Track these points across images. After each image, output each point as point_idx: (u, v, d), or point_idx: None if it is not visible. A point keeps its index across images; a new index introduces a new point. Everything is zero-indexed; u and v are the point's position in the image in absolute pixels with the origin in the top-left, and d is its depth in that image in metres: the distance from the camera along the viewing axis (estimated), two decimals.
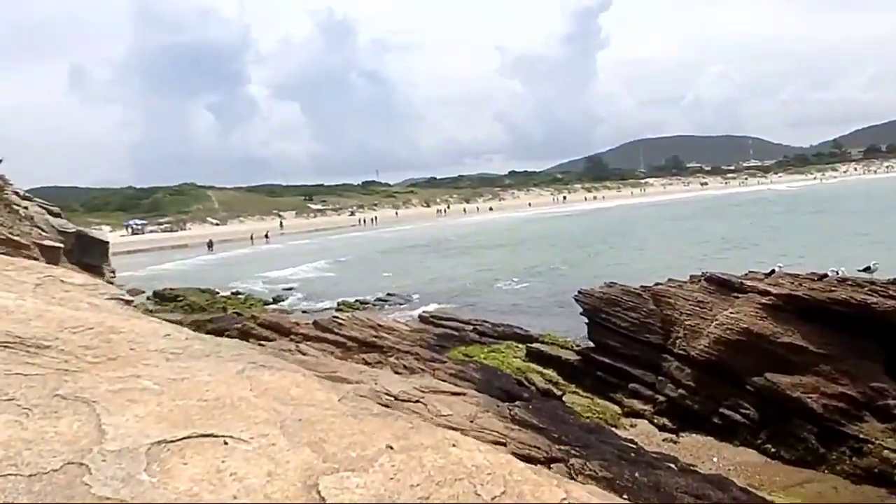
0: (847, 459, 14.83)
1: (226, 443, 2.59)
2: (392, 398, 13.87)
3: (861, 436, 14.95)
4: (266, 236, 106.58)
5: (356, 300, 39.67)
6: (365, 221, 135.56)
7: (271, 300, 42.39)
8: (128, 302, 4.79)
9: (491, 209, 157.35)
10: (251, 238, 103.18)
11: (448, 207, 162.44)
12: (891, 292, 17.87)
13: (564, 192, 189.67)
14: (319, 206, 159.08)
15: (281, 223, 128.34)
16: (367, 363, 19.81)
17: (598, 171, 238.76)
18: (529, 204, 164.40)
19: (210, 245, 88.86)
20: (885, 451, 14.37)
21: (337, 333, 22.81)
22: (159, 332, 3.68)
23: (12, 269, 4.83)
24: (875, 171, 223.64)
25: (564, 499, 2.68)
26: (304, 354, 20.01)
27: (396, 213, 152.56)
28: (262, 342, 22.74)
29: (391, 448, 2.84)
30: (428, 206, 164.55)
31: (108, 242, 35.61)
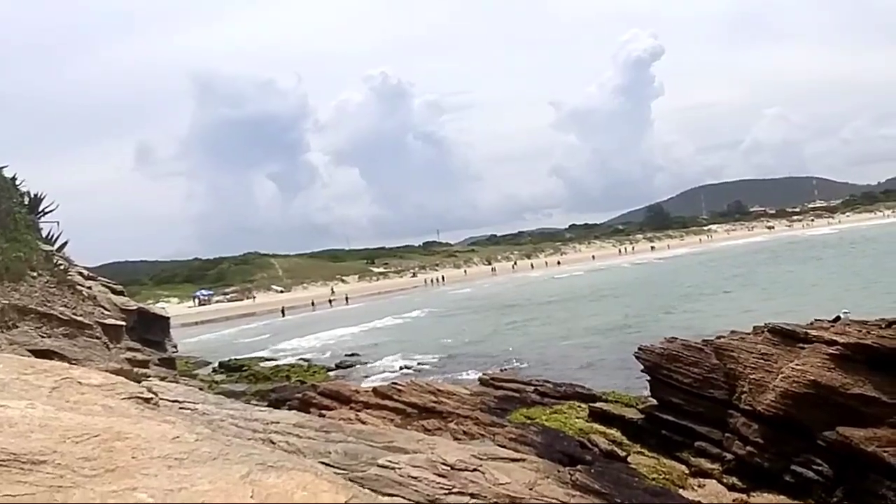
0: None
1: None
2: (448, 468, 13.70)
3: None
4: (330, 301, 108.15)
5: (419, 363, 39.68)
6: (431, 281, 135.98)
7: (334, 366, 42.63)
8: (147, 400, 4.84)
9: (559, 263, 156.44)
10: (312, 304, 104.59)
11: (515, 263, 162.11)
12: None
13: (626, 243, 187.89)
14: (381, 269, 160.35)
15: (332, 290, 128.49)
16: (426, 430, 19.66)
17: (659, 219, 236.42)
18: (593, 257, 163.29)
19: (283, 312, 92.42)
20: None
21: (396, 400, 22.75)
22: (168, 436, 3.70)
23: (31, 372, 4.93)
24: None
25: None
26: (363, 423, 19.97)
27: (465, 272, 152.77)
28: (323, 411, 22.81)
29: None
30: (489, 263, 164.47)
31: (168, 318, 36.29)
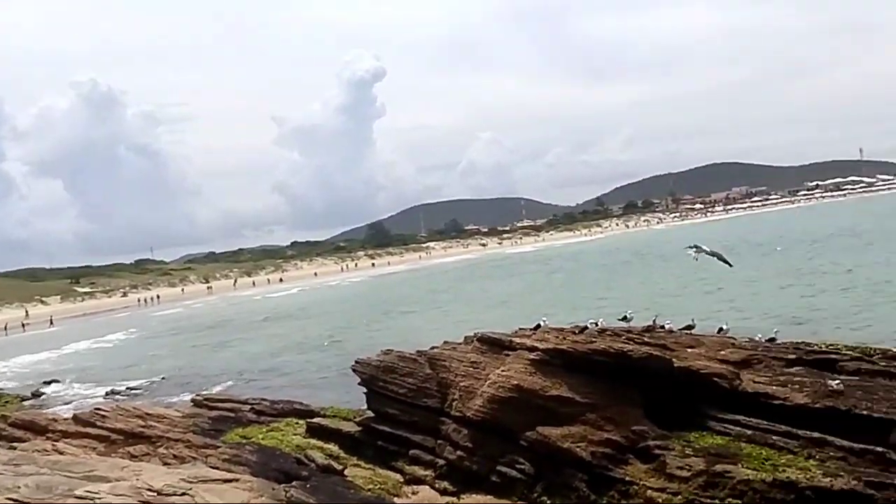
0: (616, 502, 15.46)
1: None
2: (155, 493, 12.91)
3: (627, 478, 15.65)
4: (23, 325, 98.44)
5: (126, 387, 37.20)
6: (144, 301, 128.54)
7: (29, 395, 38.71)
8: None
9: (281, 280, 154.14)
10: (4, 328, 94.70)
11: (236, 281, 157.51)
12: (645, 339, 19.13)
13: (348, 260, 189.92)
14: (88, 289, 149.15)
15: (27, 312, 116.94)
16: (132, 456, 18.49)
17: (380, 237, 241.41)
18: (315, 273, 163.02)
19: None
20: (649, 491, 15.10)
21: (100, 427, 21.18)
22: None
23: None
24: (635, 225, 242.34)
25: None
26: (60, 453, 18.36)
27: (182, 290, 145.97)
28: (15, 444, 20.70)
29: None
30: (206, 282, 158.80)
31: None
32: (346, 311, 70.85)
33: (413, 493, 17.61)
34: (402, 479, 18.44)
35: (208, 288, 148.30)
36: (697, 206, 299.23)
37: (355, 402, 23.65)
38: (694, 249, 22.07)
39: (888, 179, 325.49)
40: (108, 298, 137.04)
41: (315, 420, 22.05)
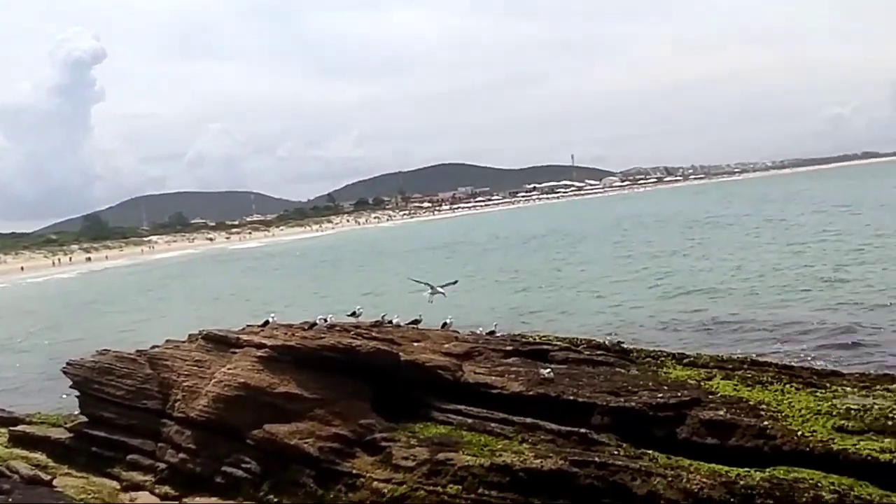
0: (343, 495, 15.60)
1: None
2: None
3: (354, 471, 15.85)
4: None
5: None
6: None
7: None
8: None
9: None
10: None
11: None
12: (374, 334, 19.53)
13: (60, 254, 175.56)
14: None
15: None
16: None
17: (97, 229, 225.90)
18: (22, 268, 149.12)
19: None
20: (375, 482, 15.39)
21: None
22: None
23: None
24: (365, 222, 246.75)
25: None
26: None
27: None
28: None
29: None
30: None
31: None
32: (55, 309, 65.66)
33: (131, 500, 16.69)
34: (118, 487, 17.42)
35: None
36: (426, 204, 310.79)
37: (66, 408, 22.02)
38: (429, 292, 23.00)
39: (594, 184, 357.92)
40: None
41: (19, 428, 20.22)
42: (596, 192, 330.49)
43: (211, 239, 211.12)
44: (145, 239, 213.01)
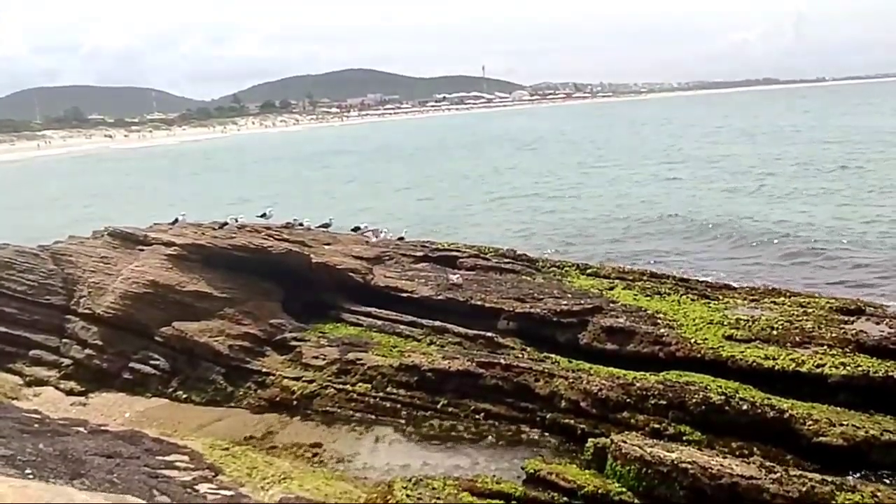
0: (252, 393, 15.83)
1: None
2: None
3: (264, 370, 16.07)
4: None
5: None
6: None
7: None
8: None
9: None
10: None
11: None
12: (284, 235, 19.54)
13: None
14: None
15: None
16: None
17: None
18: None
19: None
20: (285, 380, 15.65)
21: None
22: None
23: None
24: (272, 125, 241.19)
25: None
26: None
27: None
28: None
29: None
30: None
31: None
32: None
33: (35, 395, 16.49)
34: (21, 382, 17.16)
35: None
36: (334, 110, 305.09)
37: None
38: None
39: (504, 97, 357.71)
40: None
41: None
42: (505, 105, 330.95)
43: (110, 136, 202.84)
44: (39, 133, 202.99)
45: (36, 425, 12.79)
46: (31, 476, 9.50)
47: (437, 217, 40.83)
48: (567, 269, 19.95)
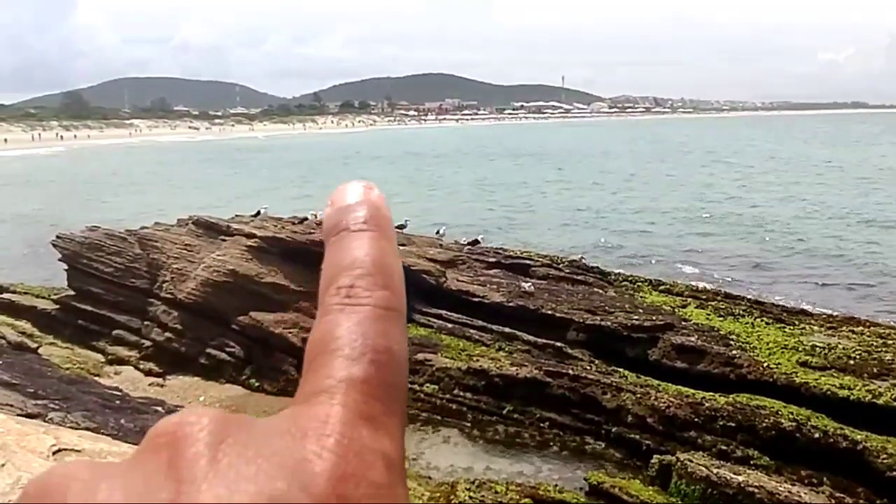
0: None
1: None
2: None
3: None
4: None
5: None
6: None
7: None
8: None
9: None
10: None
11: None
12: None
13: (40, 129, 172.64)
14: None
15: None
16: None
17: (77, 107, 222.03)
18: (6, 140, 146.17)
19: None
20: None
21: None
22: None
23: None
24: (350, 125, 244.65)
25: (54, 445, 2.52)
26: None
27: None
28: None
29: None
30: None
31: None
32: (43, 184, 65.20)
33: (116, 374, 17.16)
34: (103, 360, 17.88)
35: None
36: (412, 112, 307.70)
37: (52, 281, 22.24)
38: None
39: (582, 108, 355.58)
40: None
41: (5, 296, 20.50)
42: (584, 116, 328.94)
43: (196, 128, 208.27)
44: (126, 122, 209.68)
45: (117, 402, 13.31)
46: None
47: (513, 222, 40.93)
48: (639, 283, 19.82)
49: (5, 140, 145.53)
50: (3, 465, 2.15)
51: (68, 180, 69.24)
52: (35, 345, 17.83)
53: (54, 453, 2.38)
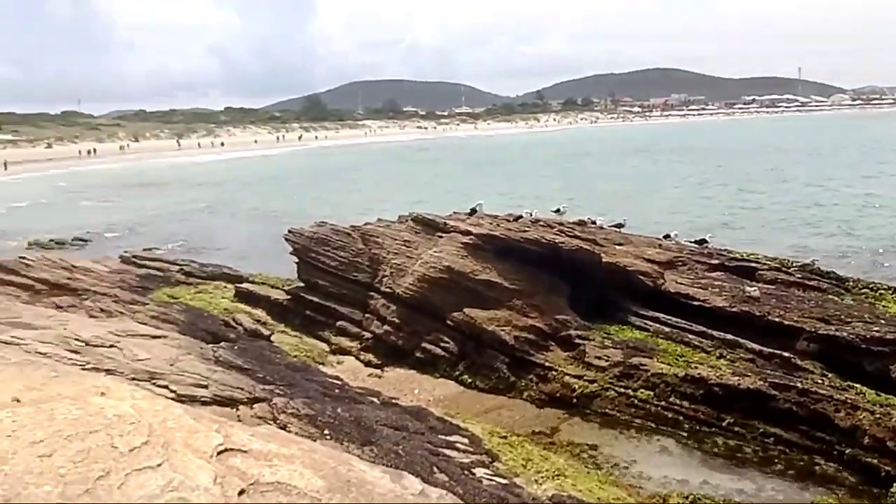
0: (534, 386, 16.10)
1: None
2: (83, 343, 12.91)
3: (546, 364, 16.27)
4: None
5: (50, 239, 36.53)
6: (87, 153, 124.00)
7: None
8: None
9: (223, 145, 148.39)
10: None
11: (200, 143, 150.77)
12: (576, 232, 19.59)
13: (283, 131, 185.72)
14: (10, 136, 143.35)
15: None
16: (58, 307, 18.28)
17: (316, 110, 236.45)
18: (255, 141, 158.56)
19: None
20: (566, 377, 15.74)
21: (24, 275, 20.80)
22: None
23: None
24: (573, 122, 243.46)
25: (221, 444, 2.53)
26: None
27: (128, 145, 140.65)
28: None
29: (17, 401, 2.52)
30: (137, 140, 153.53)
31: None
32: (283, 182, 70.11)
33: (338, 363, 17.98)
34: (328, 349, 18.80)
35: (124, 147, 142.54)
36: (636, 108, 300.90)
37: (284, 273, 23.69)
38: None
39: (821, 101, 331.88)
40: (33, 148, 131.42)
41: (244, 285, 22.13)
42: (823, 109, 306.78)
43: (424, 128, 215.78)
44: (359, 122, 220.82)
45: (336, 391, 13.89)
46: (328, 436, 10.35)
47: (734, 223, 38.87)
48: (882, 292, 18.03)
49: (255, 141, 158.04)
50: (159, 464, 2.15)
51: (304, 178, 73.82)
52: (268, 332, 19.03)
53: (218, 453, 2.38)
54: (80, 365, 11.24)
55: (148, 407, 2.67)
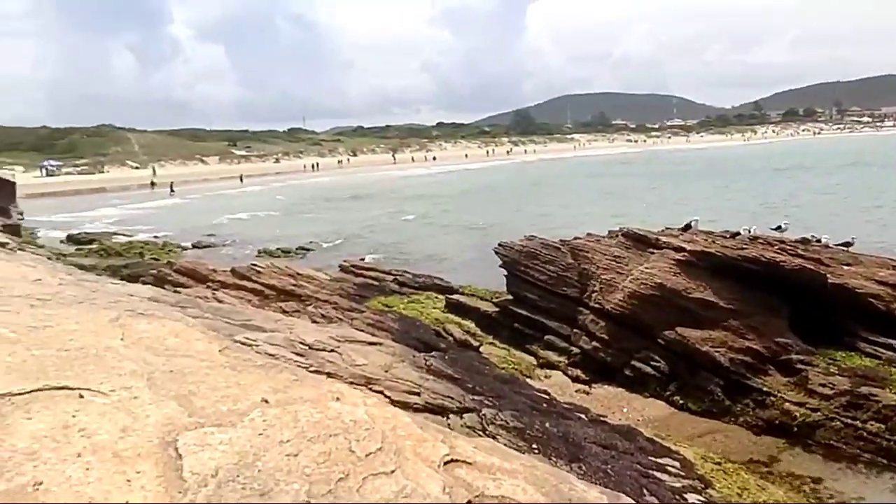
0: (750, 411, 15.31)
1: (81, 396, 2.43)
2: (306, 347, 13.68)
3: (764, 389, 15.43)
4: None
5: (277, 248, 39.24)
6: (312, 167, 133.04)
7: (190, 246, 41.51)
8: (2, 244, 4.51)
9: (434, 159, 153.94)
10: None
11: (413, 157, 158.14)
12: (799, 251, 18.45)
13: (493, 145, 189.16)
14: (244, 152, 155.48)
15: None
16: (284, 312, 19.55)
17: (525, 124, 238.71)
18: (466, 156, 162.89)
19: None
20: (786, 404, 14.85)
21: (255, 281, 22.46)
22: (28, 277, 3.45)
23: None
24: (794, 133, 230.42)
25: (447, 455, 2.60)
26: (219, 302, 19.63)
27: (348, 160, 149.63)
28: (179, 289, 22.24)
29: (266, 402, 2.71)
30: (355, 155, 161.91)
31: (14, 183, 34.40)
32: (491, 195, 71.34)
33: (545, 377, 17.96)
34: (535, 363, 18.83)
35: (342, 161, 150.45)
36: (865, 119, 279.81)
37: (492, 285, 24.01)
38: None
39: None
40: (263, 163, 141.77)
41: (454, 296, 22.64)
42: None
43: (633, 141, 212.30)
44: (568, 136, 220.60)
45: (544, 405, 13.86)
46: (536, 451, 10.36)
47: None
48: None
49: (466, 155, 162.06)
50: (392, 471, 2.23)
51: (509, 191, 74.66)
52: (477, 343, 19.36)
53: (445, 464, 2.44)
54: (305, 367, 11.96)
55: (379, 414, 2.78)
